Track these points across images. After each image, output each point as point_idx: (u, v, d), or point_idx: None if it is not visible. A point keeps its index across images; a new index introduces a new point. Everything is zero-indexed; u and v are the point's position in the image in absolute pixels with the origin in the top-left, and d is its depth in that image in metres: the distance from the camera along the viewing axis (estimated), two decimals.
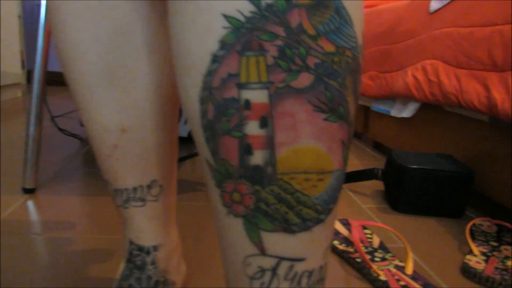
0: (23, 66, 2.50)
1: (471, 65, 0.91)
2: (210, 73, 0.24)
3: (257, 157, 0.25)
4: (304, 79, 0.24)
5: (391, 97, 1.35)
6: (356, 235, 0.64)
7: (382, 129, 1.48)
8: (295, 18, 0.23)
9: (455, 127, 1.05)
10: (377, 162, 1.35)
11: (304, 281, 0.29)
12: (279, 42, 0.23)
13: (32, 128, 0.84)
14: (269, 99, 0.24)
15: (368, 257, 0.65)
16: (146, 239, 0.44)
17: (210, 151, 0.26)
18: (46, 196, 0.85)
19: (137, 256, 0.44)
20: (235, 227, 0.27)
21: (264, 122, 0.24)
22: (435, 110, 1.14)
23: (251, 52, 0.23)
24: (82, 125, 1.04)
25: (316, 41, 0.24)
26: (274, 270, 0.28)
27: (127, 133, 0.40)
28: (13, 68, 2.26)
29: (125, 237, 0.45)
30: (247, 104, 0.24)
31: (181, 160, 1.03)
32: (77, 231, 0.71)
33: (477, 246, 0.71)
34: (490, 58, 0.84)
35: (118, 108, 0.39)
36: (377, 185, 1.07)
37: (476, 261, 0.65)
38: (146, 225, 0.44)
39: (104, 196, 0.87)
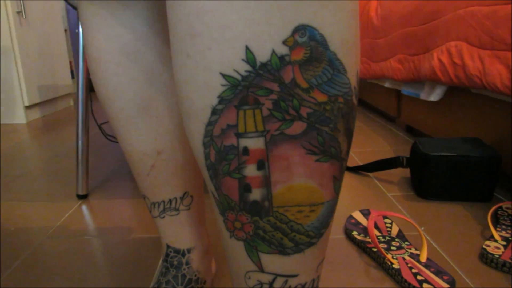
0: (72, 76, 2.70)
1: (494, 45, 0.89)
2: (210, 123, 0.27)
3: (255, 194, 0.28)
4: (297, 127, 0.26)
5: (420, 80, 1.33)
6: (371, 226, 0.68)
7: (414, 112, 1.47)
8: (289, 74, 0.25)
9: (483, 110, 1.03)
10: (408, 147, 1.35)
11: None
12: (273, 96, 0.25)
13: (80, 139, 0.95)
14: (265, 145, 0.26)
15: (384, 246, 0.68)
16: (181, 242, 0.52)
17: (214, 186, 0.29)
18: (98, 201, 0.96)
19: (174, 258, 0.52)
20: (237, 248, 0.31)
21: (261, 165, 0.27)
22: (463, 92, 1.11)
23: (248, 106, 0.25)
24: None
25: (309, 93, 0.25)
26: (271, 284, 0.32)
27: (161, 155, 0.47)
28: (64, 80, 2.45)
29: (162, 241, 0.53)
30: (245, 150, 0.27)
31: None
32: (128, 232, 0.80)
33: (499, 231, 0.72)
34: None
35: (154, 135, 0.46)
36: (404, 172, 1.08)
37: (495, 246, 0.67)
38: (180, 231, 0.51)
39: None
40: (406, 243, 0.69)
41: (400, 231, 0.73)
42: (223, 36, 0.24)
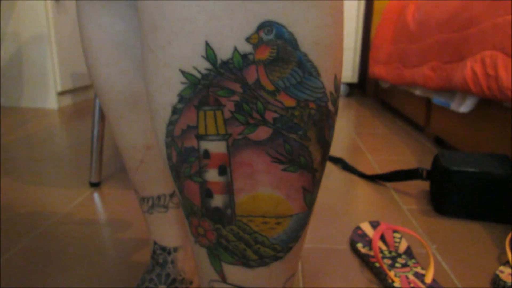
0: None
1: None
2: (171, 123, 0.25)
3: (217, 200, 0.26)
4: (262, 132, 0.24)
5: (451, 90, 1.26)
6: (376, 239, 0.64)
7: (444, 123, 1.39)
8: (252, 74, 0.23)
9: None
10: None
11: None
12: (236, 98, 0.23)
13: (95, 127, 0.96)
14: (227, 149, 0.24)
15: (389, 262, 0.64)
16: (168, 241, 0.51)
17: (177, 188, 0.28)
18: (110, 190, 0.98)
19: (160, 255, 0.51)
20: (201, 255, 0.30)
21: (222, 170, 0.25)
22: (495, 106, 1.04)
23: (208, 107, 0.24)
24: None
25: (274, 96, 0.23)
26: None
27: (151, 150, 0.46)
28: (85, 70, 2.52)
29: (150, 238, 0.52)
30: (206, 153, 0.25)
31: None
32: (137, 223, 0.81)
33: None
34: None
35: (143, 129, 0.45)
36: (424, 185, 1.03)
37: (510, 273, 0.61)
38: (168, 229, 0.50)
39: None
40: (413, 261, 0.65)
41: (408, 247, 0.69)
42: (182, 30, 0.22)
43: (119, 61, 0.41)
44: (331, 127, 0.27)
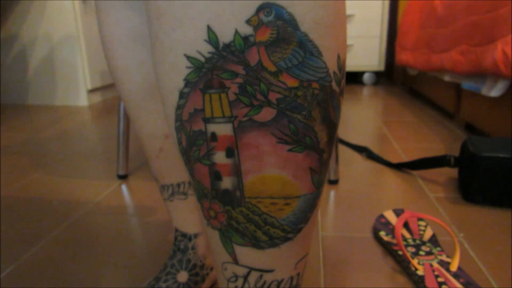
0: None
1: None
2: (179, 107, 0.26)
3: (226, 182, 0.26)
4: (267, 113, 0.24)
5: (482, 74, 1.21)
6: (399, 226, 0.63)
7: (474, 109, 1.34)
8: (254, 56, 0.23)
9: None
10: None
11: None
12: (239, 80, 0.23)
13: (121, 121, 0.99)
14: (234, 131, 0.25)
15: (412, 250, 0.63)
16: (188, 227, 0.52)
17: (188, 172, 0.29)
18: (137, 182, 1.01)
19: (181, 241, 0.52)
20: (214, 237, 0.30)
21: (230, 152, 0.25)
22: None
23: (213, 90, 0.24)
24: None
25: (277, 77, 0.23)
26: (245, 277, 0.31)
27: (169, 138, 0.47)
28: None
29: (172, 224, 0.54)
30: (214, 136, 0.25)
31: None
32: (162, 210, 0.83)
33: None
34: None
35: (161, 118, 0.46)
36: (452, 173, 0.99)
37: None
38: (188, 215, 0.52)
39: None
40: (438, 248, 0.63)
41: (434, 235, 0.68)
42: (185, 15, 0.23)
43: (136, 53, 0.43)
44: (337, 108, 0.26)
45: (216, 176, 0.27)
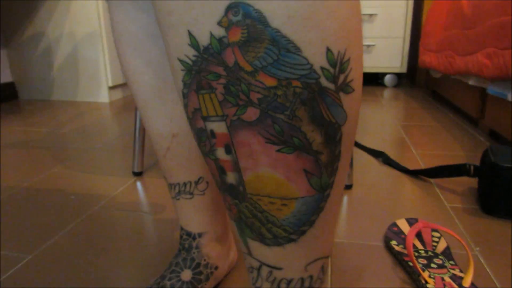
0: None
1: None
2: (184, 106, 0.27)
3: (230, 177, 0.27)
4: (252, 113, 0.24)
5: (509, 79, 1.16)
6: (410, 236, 0.62)
7: (500, 116, 1.29)
8: (230, 57, 0.23)
9: None
10: None
11: (283, 286, 0.31)
12: (223, 81, 0.24)
13: (137, 122, 1.01)
14: (228, 129, 0.25)
15: (424, 262, 0.61)
16: (193, 226, 0.52)
17: (207, 164, 0.30)
18: (151, 179, 1.02)
19: (185, 240, 0.53)
20: (233, 227, 0.31)
21: (228, 149, 0.26)
22: None
23: (204, 90, 0.25)
24: None
25: (254, 77, 0.23)
26: (258, 270, 0.31)
27: (176, 138, 0.48)
28: None
29: (179, 223, 0.54)
30: (212, 134, 0.26)
31: None
32: (174, 210, 0.84)
33: None
34: None
35: (169, 117, 0.47)
36: (472, 182, 0.96)
37: None
38: (193, 215, 0.52)
39: None
40: (451, 262, 0.61)
41: (447, 248, 0.65)
42: (170, 23, 0.24)
43: (144, 53, 0.44)
44: (332, 106, 0.24)
45: (222, 170, 0.28)
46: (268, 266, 0.30)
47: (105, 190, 0.94)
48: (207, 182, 0.51)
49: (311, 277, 0.31)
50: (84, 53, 2.02)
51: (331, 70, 0.23)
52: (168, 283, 0.50)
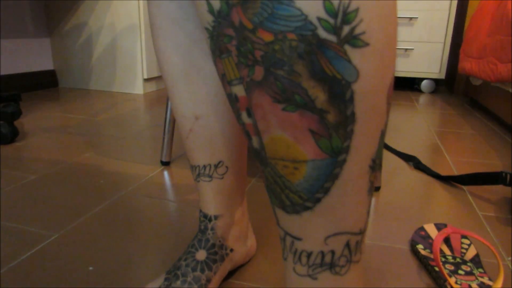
0: None
1: None
2: (218, 75, 0.28)
3: (254, 142, 0.28)
4: (259, 72, 0.24)
5: None
6: (437, 241, 0.59)
7: None
8: (235, 16, 0.23)
9: None
10: None
11: (304, 259, 0.31)
12: (234, 42, 0.24)
13: (168, 113, 1.03)
14: (246, 92, 0.26)
15: (451, 268, 0.59)
16: (210, 208, 0.53)
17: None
18: (178, 169, 1.04)
19: (202, 222, 0.54)
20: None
21: (249, 112, 0.26)
22: None
23: (224, 55, 0.26)
24: None
25: (255, 33, 0.23)
26: (284, 240, 0.31)
27: (199, 120, 0.49)
28: None
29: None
30: (236, 98, 0.27)
31: None
32: (198, 199, 0.85)
33: None
34: None
35: (193, 99, 0.48)
36: (507, 192, 0.91)
37: None
38: (211, 198, 0.53)
39: None
40: (480, 270, 0.59)
41: (477, 255, 0.63)
42: None
43: (173, 35, 0.45)
44: (335, 59, 0.22)
45: (247, 135, 0.28)
46: (290, 236, 0.30)
47: (133, 177, 0.97)
48: (226, 167, 0.51)
49: (332, 252, 0.30)
50: (122, 45, 2.09)
51: (331, 20, 0.21)
52: (183, 263, 0.50)
